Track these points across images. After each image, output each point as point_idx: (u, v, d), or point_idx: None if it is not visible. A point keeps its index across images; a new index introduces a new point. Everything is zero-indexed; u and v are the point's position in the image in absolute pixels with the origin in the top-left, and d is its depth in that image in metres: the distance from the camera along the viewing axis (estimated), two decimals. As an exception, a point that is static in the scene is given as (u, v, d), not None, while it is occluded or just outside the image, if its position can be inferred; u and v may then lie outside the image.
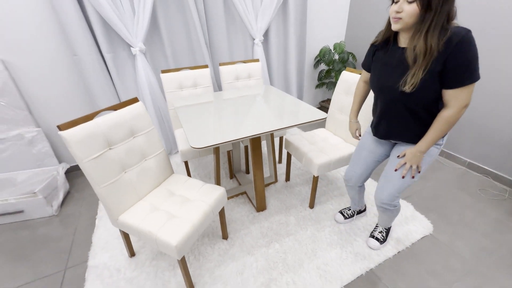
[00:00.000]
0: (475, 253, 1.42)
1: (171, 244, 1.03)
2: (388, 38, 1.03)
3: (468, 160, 2.14)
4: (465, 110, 1.01)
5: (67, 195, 2.01)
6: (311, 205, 1.76)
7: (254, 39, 2.44)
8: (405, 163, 1.09)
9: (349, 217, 1.63)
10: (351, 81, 1.69)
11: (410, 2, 0.83)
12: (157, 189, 1.35)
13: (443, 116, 0.94)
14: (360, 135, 1.40)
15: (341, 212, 1.65)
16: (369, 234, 1.53)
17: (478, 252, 1.42)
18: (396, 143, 1.21)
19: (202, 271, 1.36)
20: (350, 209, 1.64)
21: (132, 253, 1.45)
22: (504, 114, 1.84)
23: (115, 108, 1.21)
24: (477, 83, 0.99)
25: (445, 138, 1.08)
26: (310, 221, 1.66)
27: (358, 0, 2.80)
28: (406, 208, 1.73)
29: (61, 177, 1.95)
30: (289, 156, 1.96)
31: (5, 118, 1.83)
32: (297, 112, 1.52)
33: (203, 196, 1.28)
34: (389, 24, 0.98)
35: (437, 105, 0.97)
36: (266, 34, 2.52)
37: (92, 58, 1.89)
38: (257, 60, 2.17)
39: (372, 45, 1.12)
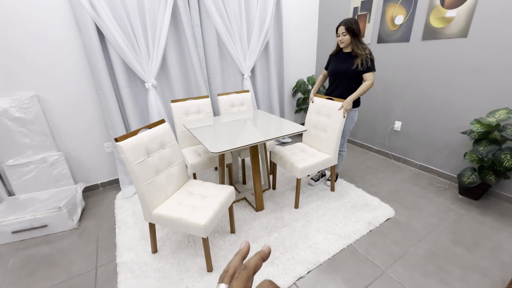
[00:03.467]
0: (425, 227, 1.87)
1: (200, 224, 1.36)
2: (337, 51, 2.13)
3: (419, 163, 2.70)
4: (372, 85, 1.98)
5: (83, 211, 2.22)
6: (296, 206, 2.13)
7: (243, 75, 2.99)
8: (342, 108, 2.02)
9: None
10: (319, 103, 2.22)
11: (344, 35, 1.91)
12: (179, 190, 1.69)
13: (365, 84, 1.96)
14: (313, 102, 2.32)
15: None
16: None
17: (427, 226, 1.87)
18: None
19: (217, 257, 1.66)
20: None
21: (155, 250, 1.71)
22: (444, 129, 2.44)
23: (150, 126, 1.59)
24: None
25: (358, 108, 2.16)
26: (300, 216, 2.04)
27: (322, 44, 3.54)
28: (374, 200, 2.18)
29: (79, 194, 2.18)
30: (274, 166, 2.37)
31: (33, 144, 2.10)
32: (285, 126, 1.99)
33: (218, 192, 1.63)
34: (337, 45, 2.09)
35: (360, 81, 2.02)
36: (253, 71, 3.09)
37: (112, 92, 2.27)
38: (248, 91, 2.68)
39: (330, 55, 2.22)
